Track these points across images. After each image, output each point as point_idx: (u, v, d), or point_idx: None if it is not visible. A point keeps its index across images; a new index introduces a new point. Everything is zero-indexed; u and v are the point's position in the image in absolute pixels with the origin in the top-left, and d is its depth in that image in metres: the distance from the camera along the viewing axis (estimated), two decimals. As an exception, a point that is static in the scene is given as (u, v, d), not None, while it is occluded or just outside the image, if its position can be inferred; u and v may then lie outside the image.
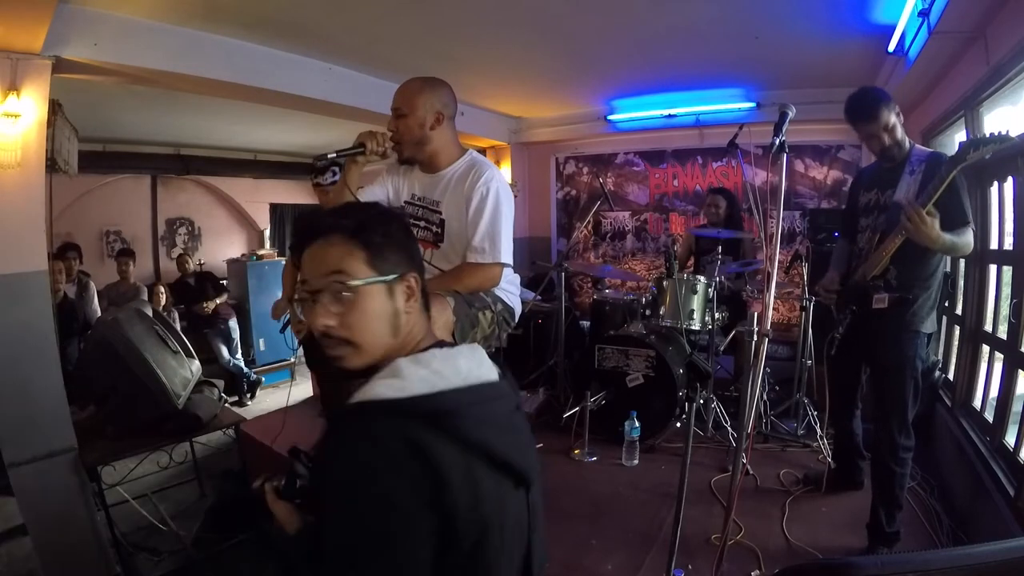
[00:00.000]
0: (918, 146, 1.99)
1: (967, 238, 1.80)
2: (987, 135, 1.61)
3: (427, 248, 1.82)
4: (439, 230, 1.78)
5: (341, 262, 0.83)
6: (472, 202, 1.66)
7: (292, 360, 6.39)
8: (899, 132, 1.92)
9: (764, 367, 1.75)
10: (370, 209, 0.91)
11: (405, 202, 1.86)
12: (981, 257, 2.49)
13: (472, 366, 0.84)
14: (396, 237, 0.88)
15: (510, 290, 1.88)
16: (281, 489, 0.86)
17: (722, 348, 3.23)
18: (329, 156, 1.65)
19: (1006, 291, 2.28)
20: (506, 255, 1.72)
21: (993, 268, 2.43)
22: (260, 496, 0.86)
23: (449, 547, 0.74)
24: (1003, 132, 1.59)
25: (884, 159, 1.99)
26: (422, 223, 1.82)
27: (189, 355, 2.79)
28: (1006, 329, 2.18)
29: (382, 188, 1.86)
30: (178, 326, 4.28)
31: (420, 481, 0.71)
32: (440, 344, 0.89)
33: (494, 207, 1.67)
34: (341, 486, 0.72)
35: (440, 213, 1.77)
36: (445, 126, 1.73)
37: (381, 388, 0.76)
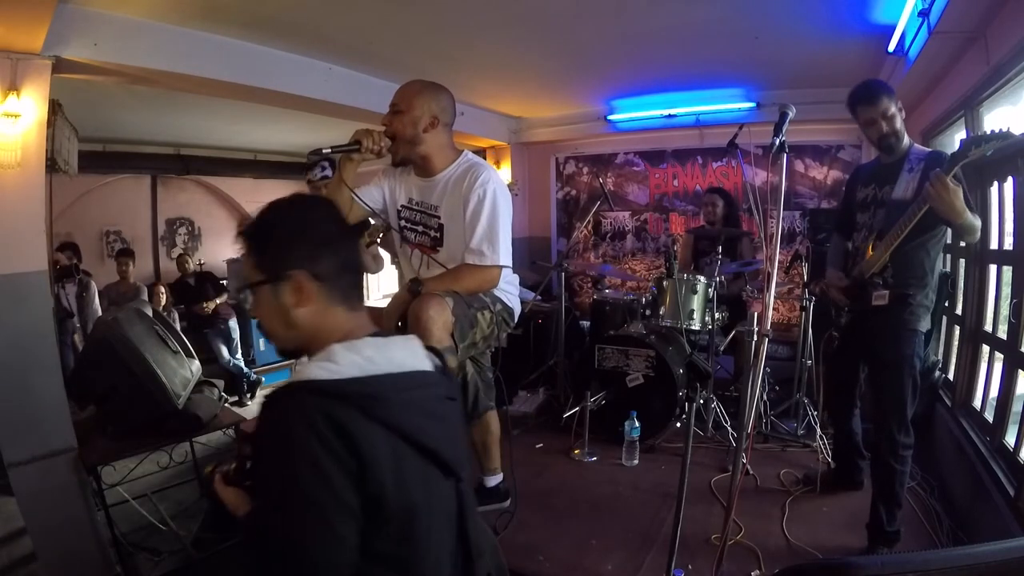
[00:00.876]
0: (917, 145, 1.99)
1: (978, 221, 1.77)
2: (989, 132, 1.60)
3: (425, 252, 1.82)
4: (438, 234, 1.78)
5: (246, 268, 0.91)
6: (470, 204, 1.67)
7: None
8: (898, 123, 1.92)
9: (764, 367, 1.74)
10: (272, 212, 0.94)
11: (402, 206, 1.85)
12: (981, 257, 2.49)
13: (406, 355, 0.89)
14: (284, 238, 0.90)
15: (509, 291, 1.88)
16: (230, 474, 0.89)
17: (722, 348, 3.23)
18: (324, 151, 1.64)
19: (1006, 291, 2.28)
20: (504, 257, 1.72)
21: (993, 268, 2.43)
22: (211, 483, 0.91)
23: (377, 529, 0.77)
24: (1005, 129, 1.57)
25: (882, 149, 1.99)
26: (420, 228, 1.81)
27: (189, 355, 2.79)
28: (1006, 329, 2.18)
29: (378, 189, 1.86)
30: (178, 326, 4.27)
31: (345, 457, 0.75)
32: (378, 334, 0.92)
33: (491, 208, 1.67)
34: (272, 457, 0.77)
35: (439, 217, 1.77)
36: (440, 130, 1.73)
37: (313, 370, 0.81)
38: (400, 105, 1.68)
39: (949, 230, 1.90)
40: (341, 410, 0.76)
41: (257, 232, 0.91)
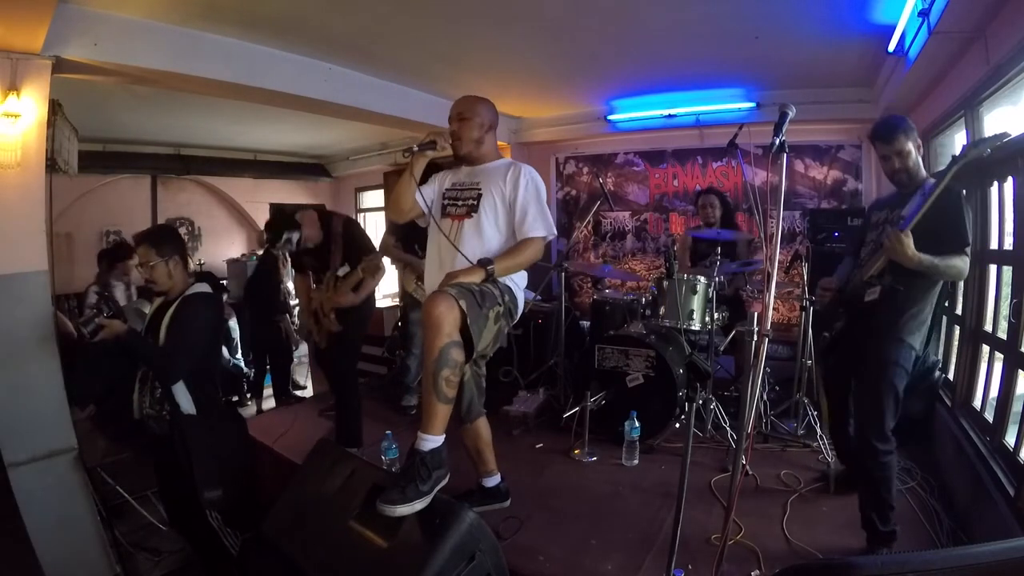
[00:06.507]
0: (932, 178, 1.96)
1: (954, 262, 1.79)
2: (985, 135, 1.63)
3: (459, 220, 2.02)
4: (475, 202, 2.01)
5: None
6: (519, 191, 1.98)
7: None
8: (911, 161, 1.93)
9: (764, 367, 1.74)
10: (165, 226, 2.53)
11: (447, 189, 2.12)
12: (981, 257, 2.49)
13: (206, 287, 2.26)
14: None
15: (519, 283, 2.05)
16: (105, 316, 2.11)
17: (722, 348, 3.23)
18: (414, 148, 1.95)
19: (1006, 291, 2.28)
20: (552, 230, 2.04)
21: (993, 268, 2.43)
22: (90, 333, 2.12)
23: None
24: (1001, 132, 1.62)
25: (894, 183, 2.03)
26: (460, 201, 2.05)
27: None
28: (1006, 329, 2.18)
29: (431, 188, 2.14)
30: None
31: (218, 312, 2.32)
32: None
33: (536, 193, 2.00)
34: (185, 315, 2.11)
35: (478, 189, 2.02)
36: (493, 134, 2.11)
37: (195, 289, 2.18)
38: (466, 113, 2.04)
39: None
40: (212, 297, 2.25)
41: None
